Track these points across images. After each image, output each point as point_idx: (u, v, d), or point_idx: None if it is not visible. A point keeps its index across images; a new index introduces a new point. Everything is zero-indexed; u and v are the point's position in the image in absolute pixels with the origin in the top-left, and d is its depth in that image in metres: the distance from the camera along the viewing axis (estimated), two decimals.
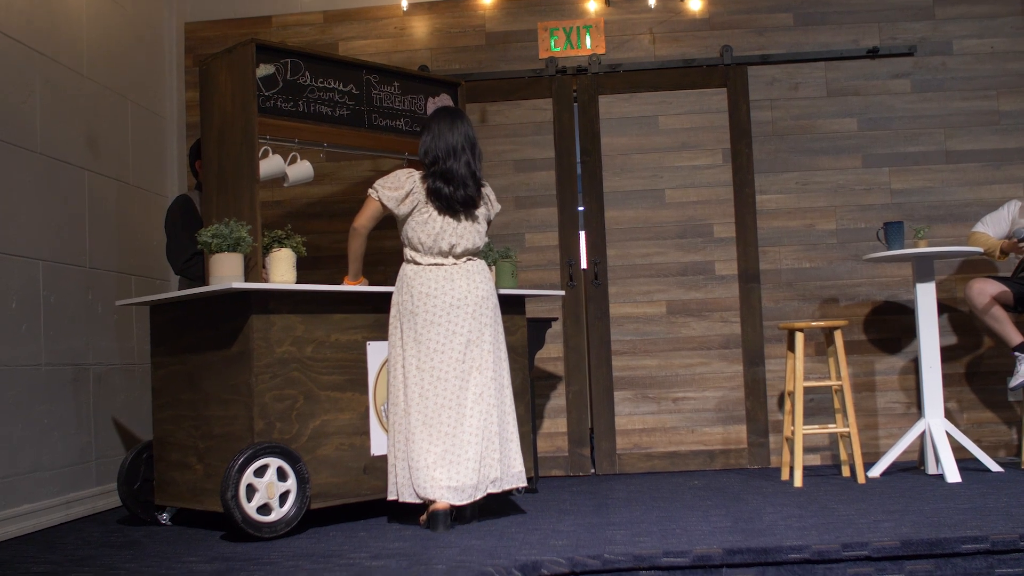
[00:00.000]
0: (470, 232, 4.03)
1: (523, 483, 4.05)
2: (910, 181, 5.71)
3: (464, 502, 3.85)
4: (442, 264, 4.00)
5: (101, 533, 4.13)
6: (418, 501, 3.87)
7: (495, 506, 4.32)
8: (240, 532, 3.71)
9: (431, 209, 3.98)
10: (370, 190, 4.05)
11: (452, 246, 4.00)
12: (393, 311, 4.06)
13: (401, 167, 4.94)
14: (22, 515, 4.17)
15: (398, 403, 3.95)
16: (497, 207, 4.22)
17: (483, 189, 4.11)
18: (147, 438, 4.60)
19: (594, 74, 5.84)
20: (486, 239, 4.15)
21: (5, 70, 4.24)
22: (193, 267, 4.71)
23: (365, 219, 4.06)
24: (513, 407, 4.09)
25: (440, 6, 5.93)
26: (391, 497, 3.95)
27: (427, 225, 3.97)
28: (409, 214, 4.00)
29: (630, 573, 3.15)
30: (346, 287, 4.13)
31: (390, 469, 3.98)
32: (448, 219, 3.99)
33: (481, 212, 4.09)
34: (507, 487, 3.99)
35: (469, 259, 4.07)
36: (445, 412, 3.89)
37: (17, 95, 4.32)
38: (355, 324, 4.17)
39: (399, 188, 3.99)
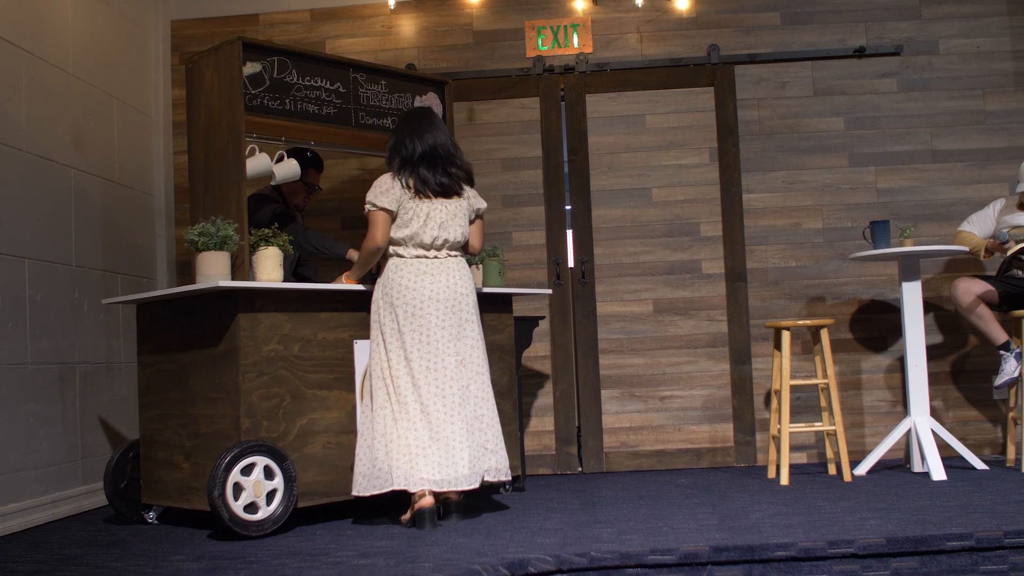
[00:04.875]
0: (452, 225, 4.05)
1: (507, 477, 4.05)
2: (896, 180, 5.74)
3: (447, 489, 3.83)
4: (425, 257, 4.02)
5: (87, 532, 4.12)
6: (381, 492, 3.84)
7: (481, 504, 4.32)
8: (227, 531, 3.71)
9: (412, 204, 3.99)
10: (368, 206, 4.01)
11: (435, 238, 4.01)
12: (374, 304, 4.07)
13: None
14: (8, 514, 4.15)
15: (380, 396, 3.94)
16: (482, 203, 4.21)
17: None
18: (134, 437, 4.59)
19: (581, 73, 5.85)
20: (467, 234, 4.15)
21: None
22: None
23: (382, 233, 4.00)
24: (495, 404, 4.11)
25: (427, 4, 5.92)
26: (357, 492, 3.90)
27: (411, 220, 3.99)
28: (396, 212, 4.01)
29: (617, 571, 3.16)
30: (332, 285, 4.13)
31: (359, 461, 3.92)
32: (430, 213, 4.00)
33: (462, 206, 4.10)
34: (492, 479, 4.01)
35: (451, 255, 4.08)
36: (413, 406, 3.88)
37: (2, 93, 4.30)
38: (342, 323, 4.17)
39: (390, 189, 4.01)
